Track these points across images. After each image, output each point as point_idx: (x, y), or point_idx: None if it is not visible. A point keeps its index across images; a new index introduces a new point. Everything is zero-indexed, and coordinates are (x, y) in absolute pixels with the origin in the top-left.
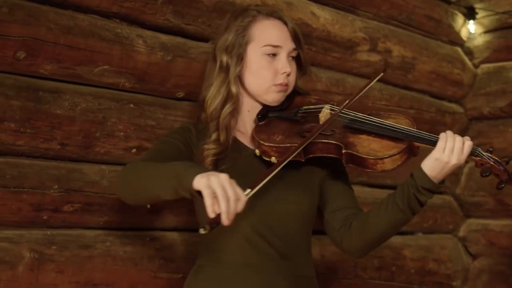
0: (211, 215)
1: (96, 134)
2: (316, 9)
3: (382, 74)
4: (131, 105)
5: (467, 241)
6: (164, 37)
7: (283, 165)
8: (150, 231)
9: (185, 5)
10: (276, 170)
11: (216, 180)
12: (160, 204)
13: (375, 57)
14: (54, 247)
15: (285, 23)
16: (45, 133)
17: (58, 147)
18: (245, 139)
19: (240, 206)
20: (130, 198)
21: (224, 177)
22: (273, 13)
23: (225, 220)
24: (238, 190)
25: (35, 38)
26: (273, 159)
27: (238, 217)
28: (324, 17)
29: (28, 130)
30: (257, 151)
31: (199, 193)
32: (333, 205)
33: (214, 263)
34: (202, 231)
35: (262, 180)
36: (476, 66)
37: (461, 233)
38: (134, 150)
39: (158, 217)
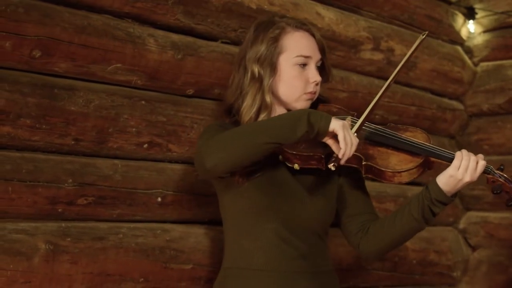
0: (340, 155)
1: (109, 130)
2: (321, 9)
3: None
4: (143, 102)
5: (467, 233)
6: (174, 36)
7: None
8: (161, 224)
9: (195, 6)
10: (364, 118)
11: (346, 126)
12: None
13: (378, 56)
14: (69, 239)
15: (313, 35)
16: (60, 129)
17: (73, 142)
18: None
19: (354, 150)
20: (228, 165)
21: (348, 124)
22: (302, 26)
23: (344, 161)
24: (354, 137)
25: (50, 37)
26: (296, 166)
27: (263, 222)
28: (329, 17)
29: (44, 126)
30: (280, 157)
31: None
32: (351, 210)
33: (239, 265)
34: (332, 167)
35: (360, 123)
36: (475, 65)
37: (461, 225)
38: (145, 145)
39: (169, 210)
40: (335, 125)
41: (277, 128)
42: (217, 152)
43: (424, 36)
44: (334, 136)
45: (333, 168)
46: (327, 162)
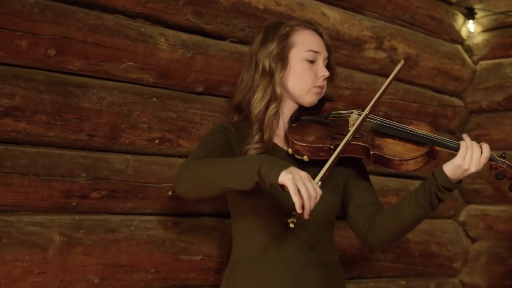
0: (300, 210)
1: (121, 126)
2: (326, 9)
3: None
4: (154, 99)
5: (467, 225)
6: (184, 36)
7: (340, 151)
8: (172, 216)
9: (204, 6)
10: (334, 158)
11: (299, 177)
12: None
13: (381, 54)
14: (82, 231)
15: (320, 34)
16: (74, 125)
17: (86, 138)
18: (279, 140)
19: (317, 201)
20: (194, 194)
21: (305, 175)
22: (310, 25)
23: (307, 215)
24: (316, 186)
25: (65, 36)
26: (305, 158)
27: (272, 216)
28: (333, 17)
29: (58, 122)
30: (289, 150)
31: (280, 186)
32: (357, 202)
33: (249, 257)
34: (292, 225)
35: (325, 171)
36: (475, 63)
37: (461, 218)
38: (157, 141)
39: (179, 203)
40: (285, 178)
41: (232, 176)
42: (187, 182)
43: (404, 62)
44: None
45: (291, 225)
46: (288, 216)
